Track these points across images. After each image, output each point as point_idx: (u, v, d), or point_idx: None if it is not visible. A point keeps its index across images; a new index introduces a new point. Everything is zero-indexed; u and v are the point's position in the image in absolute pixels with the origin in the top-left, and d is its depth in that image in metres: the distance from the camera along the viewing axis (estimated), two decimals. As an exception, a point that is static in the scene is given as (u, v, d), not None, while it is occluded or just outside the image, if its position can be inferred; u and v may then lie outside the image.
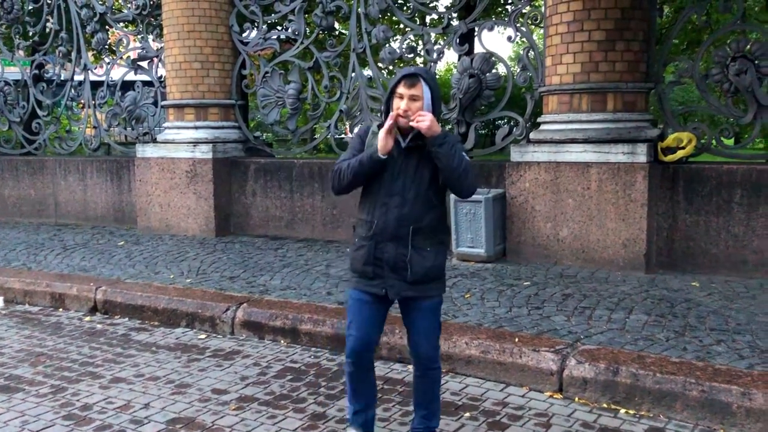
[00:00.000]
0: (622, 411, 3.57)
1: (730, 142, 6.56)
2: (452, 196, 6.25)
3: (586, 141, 5.89)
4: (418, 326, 2.99)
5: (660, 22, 9.96)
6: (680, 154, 5.77)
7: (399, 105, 2.82)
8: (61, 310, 5.84)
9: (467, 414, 3.57)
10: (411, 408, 3.62)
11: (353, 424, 3.13)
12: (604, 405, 3.64)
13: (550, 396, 3.78)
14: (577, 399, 3.72)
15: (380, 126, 2.91)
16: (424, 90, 2.82)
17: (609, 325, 4.38)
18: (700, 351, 3.89)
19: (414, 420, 3.18)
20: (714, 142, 6.04)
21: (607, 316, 4.56)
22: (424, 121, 2.76)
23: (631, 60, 5.88)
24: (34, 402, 3.84)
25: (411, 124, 2.79)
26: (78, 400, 3.85)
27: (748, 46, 5.76)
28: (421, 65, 13.54)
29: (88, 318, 5.57)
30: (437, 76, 7.73)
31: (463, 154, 2.86)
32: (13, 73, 10.59)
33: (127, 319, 5.50)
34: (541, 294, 5.15)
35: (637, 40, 5.89)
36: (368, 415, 3.12)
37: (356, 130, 3.11)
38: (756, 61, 5.70)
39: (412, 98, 2.80)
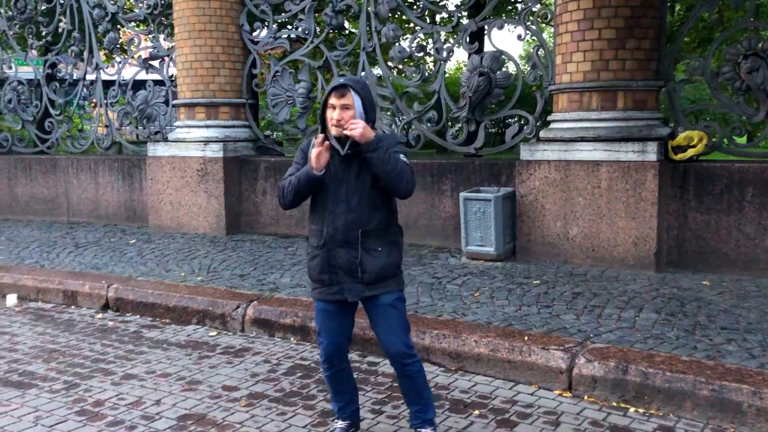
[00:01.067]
0: (632, 409, 3.56)
1: (742, 140, 6.53)
2: (461, 196, 6.27)
3: (596, 139, 5.88)
4: (382, 325, 3.05)
5: (671, 20, 9.92)
6: (691, 152, 5.75)
7: (332, 115, 2.90)
8: (73, 307, 5.89)
9: (476, 412, 3.58)
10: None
11: (340, 417, 3.27)
12: (614, 403, 3.64)
13: (560, 394, 3.78)
14: (586, 397, 3.72)
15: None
16: (354, 99, 2.90)
17: (619, 324, 4.37)
18: (711, 350, 3.87)
19: (411, 417, 3.21)
20: (725, 140, 6.01)
21: (617, 315, 4.55)
22: (356, 128, 2.83)
23: (642, 58, 5.85)
24: (48, 398, 3.89)
25: (344, 132, 2.86)
26: (90, 397, 3.89)
27: (761, 44, 5.72)
28: (431, 64, 13.54)
29: (100, 315, 5.62)
30: (447, 75, 7.74)
31: (400, 156, 2.93)
32: (26, 72, 10.67)
33: (138, 316, 5.54)
34: (550, 292, 5.14)
35: (648, 38, 5.86)
36: (352, 407, 3.27)
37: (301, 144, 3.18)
38: (768, 59, 5.67)
39: (344, 107, 2.89)
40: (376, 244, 2.98)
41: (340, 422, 3.26)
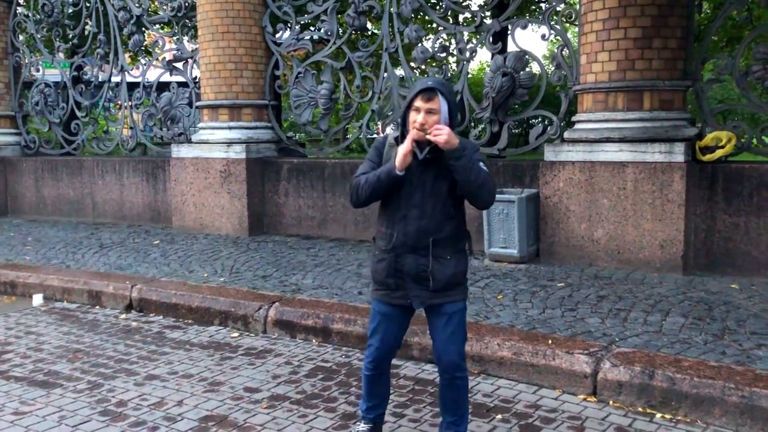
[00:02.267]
0: (658, 415, 3.50)
1: (772, 141, 6.38)
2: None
3: (621, 140, 5.79)
4: (442, 333, 2.98)
5: (698, 19, 9.76)
6: (719, 153, 5.64)
7: (416, 119, 2.81)
8: (97, 307, 5.95)
9: (499, 416, 3.54)
10: (438, 409, 3.60)
11: (364, 419, 3.21)
12: (640, 409, 3.57)
13: (584, 399, 3.73)
14: (611, 402, 3.66)
15: (397, 138, 2.92)
16: (441, 103, 2.81)
17: (645, 328, 4.30)
18: (740, 355, 3.79)
19: (441, 425, 3.16)
20: (754, 140, 5.89)
21: (643, 319, 4.48)
22: (441, 135, 2.75)
23: (669, 58, 5.76)
24: (72, 397, 3.92)
25: (428, 137, 2.79)
26: (113, 397, 3.92)
27: (791, 42, 5.61)
28: (454, 64, 13.47)
29: (123, 315, 5.67)
30: (470, 75, 7.69)
31: (481, 165, 2.86)
32: (53, 75, 10.83)
33: (161, 317, 5.57)
34: (575, 295, 5.08)
35: (675, 38, 5.77)
36: (380, 410, 3.21)
37: (374, 141, 3.10)
38: (799, 58, 5.55)
39: (429, 112, 2.80)
40: (445, 253, 2.91)
41: (362, 425, 3.21)
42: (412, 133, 2.81)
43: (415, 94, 2.83)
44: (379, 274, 2.99)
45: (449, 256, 2.92)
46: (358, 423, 3.26)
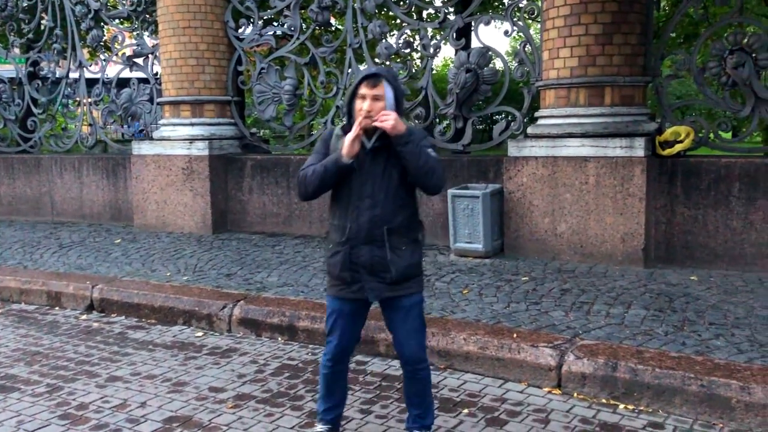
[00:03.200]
0: (621, 406, 3.55)
1: (728, 135, 6.56)
2: (449, 193, 6.24)
3: (583, 135, 5.87)
4: (402, 327, 2.97)
5: (657, 16, 9.94)
6: (678, 147, 5.76)
7: (362, 106, 2.78)
8: (57, 308, 5.81)
9: (465, 410, 3.55)
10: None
11: (322, 421, 3.16)
12: (603, 400, 3.62)
13: (549, 392, 3.77)
14: (576, 394, 3.70)
15: (344, 129, 2.89)
16: (386, 90, 2.79)
17: (607, 320, 4.36)
18: (699, 345, 3.87)
19: (408, 419, 3.15)
20: (712, 135, 6.02)
21: (606, 311, 4.54)
22: (388, 120, 2.73)
23: (629, 54, 5.85)
24: (30, 401, 3.82)
25: (375, 124, 2.76)
26: (74, 400, 3.83)
27: (746, 39, 5.74)
28: (418, 60, 13.50)
29: (84, 316, 5.55)
30: (434, 72, 7.71)
31: (429, 150, 2.85)
32: (8, 70, 10.55)
33: (123, 317, 5.47)
34: (539, 289, 5.13)
35: (635, 34, 5.86)
36: (338, 411, 3.17)
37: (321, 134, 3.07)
38: (754, 54, 5.69)
39: (375, 98, 2.77)
40: (400, 243, 2.88)
41: (320, 426, 3.17)
42: (359, 121, 2.78)
43: (360, 81, 2.81)
44: (334, 268, 2.95)
45: (404, 247, 2.90)
46: (316, 424, 3.22)
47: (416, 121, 7.28)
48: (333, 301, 3.03)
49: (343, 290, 2.96)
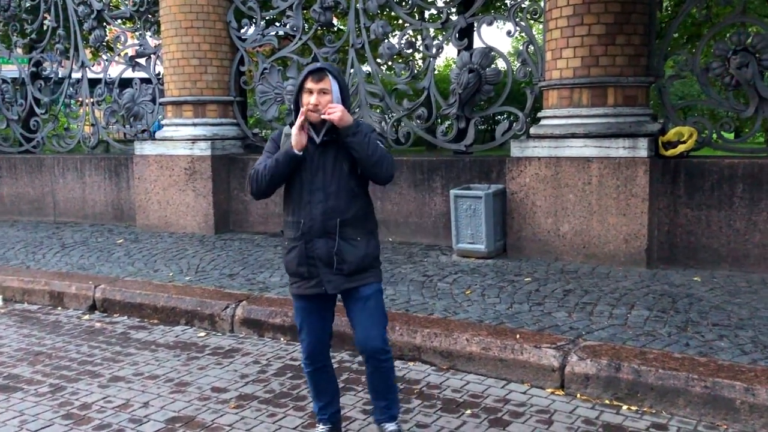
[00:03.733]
0: (625, 407, 3.54)
1: (731, 136, 6.55)
2: (452, 193, 6.23)
3: (586, 136, 5.86)
4: (361, 318, 2.97)
5: (660, 16, 9.93)
6: (681, 148, 5.74)
7: (309, 100, 2.82)
8: (59, 308, 5.82)
9: (468, 411, 3.55)
10: (412, 405, 3.61)
11: (321, 421, 3.20)
12: (607, 401, 3.61)
13: (552, 392, 3.76)
14: (579, 395, 3.70)
15: (292, 125, 2.90)
16: (332, 83, 2.84)
17: (611, 321, 4.35)
18: (703, 346, 3.86)
19: (375, 412, 3.16)
20: (715, 136, 6.01)
21: (609, 312, 4.54)
22: (335, 112, 2.77)
23: (632, 54, 5.84)
24: (33, 401, 3.82)
25: (323, 116, 2.80)
26: (77, 399, 3.83)
27: (749, 40, 5.73)
28: (421, 61, 13.48)
29: (86, 316, 5.55)
30: (436, 72, 7.70)
31: (378, 142, 2.88)
32: (10, 71, 10.56)
33: (126, 317, 5.47)
34: (542, 290, 5.12)
35: (638, 34, 5.85)
36: (333, 408, 3.19)
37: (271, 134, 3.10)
38: (757, 55, 5.67)
39: (321, 92, 2.82)
40: (354, 234, 2.91)
41: (321, 426, 3.19)
42: (303, 111, 2.81)
43: (305, 76, 2.85)
44: (290, 264, 2.97)
45: (359, 237, 2.93)
46: (317, 425, 3.23)
47: (418, 121, 7.28)
48: (296, 300, 3.07)
49: (302, 287, 2.98)
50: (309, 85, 2.83)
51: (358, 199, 2.95)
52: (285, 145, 2.89)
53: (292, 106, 2.99)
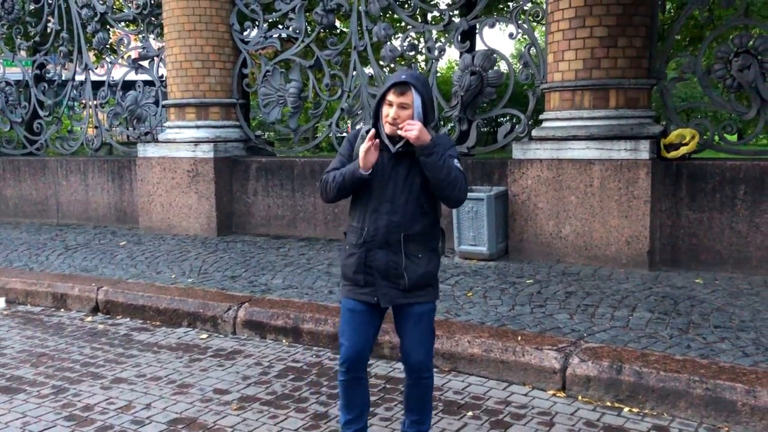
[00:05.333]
0: (626, 409, 3.55)
1: (734, 138, 6.54)
2: (454, 194, 6.23)
3: (588, 138, 5.86)
4: (411, 334, 2.93)
5: (662, 18, 9.93)
6: (683, 150, 5.74)
7: (388, 112, 2.77)
8: (62, 310, 5.83)
9: (470, 413, 3.55)
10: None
11: None
12: (608, 403, 3.62)
13: (554, 394, 3.76)
14: (580, 397, 3.70)
15: (369, 131, 2.85)
16: (414, 98, 2.75)
17: (612, 323, 4.36)
18: (704, 348, 3.86)
19: (404, 423, 3.12)
20: (717, 138, 6.01)
21: (610, 314, 4.54)
22: (412, 131, 2.70)
23: (634, 56, 5.84)
24: (36, 403, 3.83)
25: (399, 133, 2.74)
26: (79, 401, 3.84)
27: (752, 42, 5.73)
28: (423, 63, 13.50)
29: (89, 318, 5.57)
30: (438, 74, 7.71)
31: (455, 162, 2.80)
32: (14, 73, 10.59)
33: (128, 319, 5.49)
34: (543, 292, 5.12)
35: (639, 36, 5.85)
36: (360, 424, 3.06)
37: (347, 134, 3.04)
38: (759, 57, 5.67)
39: (401, 106, 2.74)
40: (417, 250, 2.85)
41: None
42: (371, 135, 2.76)
43: (388, 87, 2.77)
44: (348, 269, 2.93)
45: (420, 255, 2.86)
46: None
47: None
48: (345, 302, 2.99)
49: (354, 291, 2.93)
50: (390, 97, 2.75)
51: (426, 216, 2.88)
52: (355, 162, 2.82)
53: (372, 112, 2.89)
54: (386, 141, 2.81)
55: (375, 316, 2.97)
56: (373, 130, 2.78)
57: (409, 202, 2.83)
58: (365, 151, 2.74)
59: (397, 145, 2.81)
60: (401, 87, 2.74)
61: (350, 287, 2.94)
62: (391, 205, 2.82)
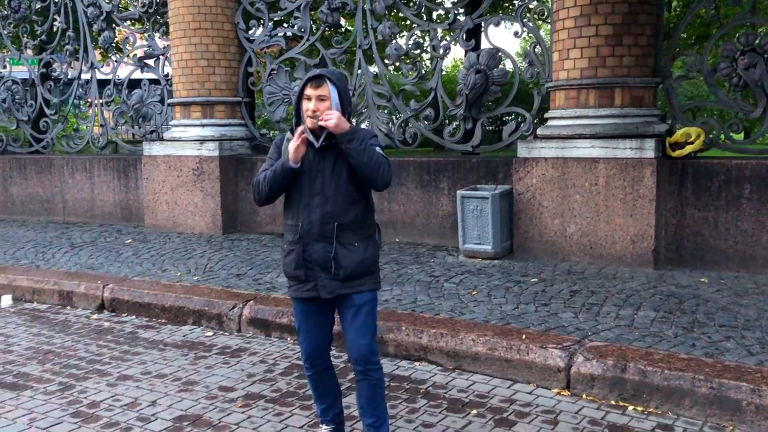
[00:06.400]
0: (630, 408, 3.54)
1: (740, 136, 6.53)
2: (458, 194, 6.24)
3: (593, 136, 5.86)
4: (352, 325, 2.96)
5: (668, 17, 9.90)
6: (689, 149, 5.73)
7: (308, 107, 2.85)
8: (68, 308, 5.86)
9: (474, 411, 3.56)
10: (418, 405, 3.62)
11: (324, 422, 3.20)
12: (612, 402, 3.62)
13: (558, 393, 3.76)
14: (584, 396, 3.70)
15: (292, 132, 2.92)
16: (330, 90, 2.85)
17: (617, 322, 4.35)
18: (709, 347, 3.86)
19: (363, 429, 3.09)
20: (723, 136, 5.99)
21: (615, 313, 4.53)
22: (331, 119, 2.79)
23: (639, 55, 5.83)
24: (42, 399, 3.85)
25: (319, 123, 2.82)
26: (85, 398, 3.86)
27: (758, 40, 5.71)
28: (428, 61, 13.50)
29: (95, 316, 5.59)
30: (443, 73, 7.71)
31: (376, 148, 2.88)
32: (21, 72, 10.63)
33: (134, 316, 5.51)
34: (548, 290, 5.12)
35: (645, 35, 5.84)
36: (336, 409, 3.19)
37: (275, 139, 3.12)
38: (765, 55, 5.65)
39: (320, 98, 2.84)
40: (352, 239, 2.91)
41: (324, 427, 3.19)
42: (300, 129, 2.84)
43: (304, 82, 2.87)
44: (288, 267, 2.99)
45: (356, 243, 2.92)
46: (320, 426, 3.22)
47: (425, 122, 7.28)
48: (294, 304, 3.08)
49: (299, 290, 2.99)
50: (308, 91, 2.85)
51: (357, 204, 2.95)
52: (283, 155, 2.93)
53: (293, 112, 3.00)
54: (310, 137, 2.88)
55: (324, 309, 3.03)
56: (301, 127, 2.86)
57: (339, 192, 2.91)
58: (295, 147, 2.84)
59: (321, 139, 2.89)
60: (317, 80, 2.85)
61: (294, 286, 3.01)
62: (322, 197, 2.90)
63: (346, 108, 2.92)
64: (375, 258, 3.01)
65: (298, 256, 2.94)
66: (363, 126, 6.48)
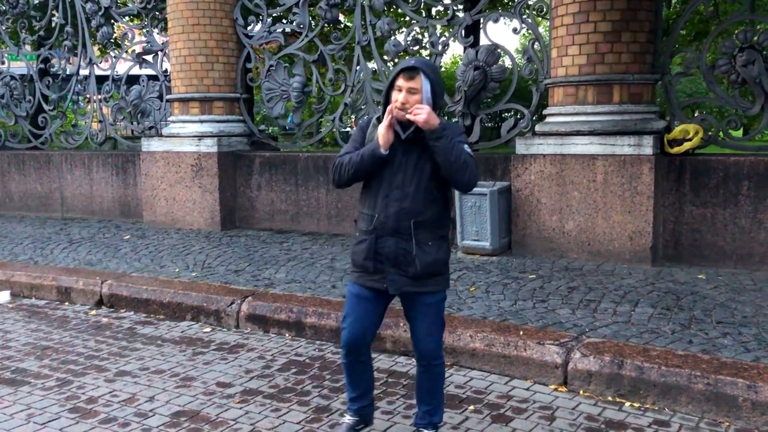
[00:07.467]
0: (627, 404, 3.55)
1: (738, 133, 6.53)
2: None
3: (591, 133, 5.86)
4: (420, 322, 2.95)
5: (667, 13, 9.89)
6: (687, 146, 5.74)
7: (397, 98, 2.78)
8: (67, 303, 5.86)
9: (471, 407, 3.57)
10: (411, 401, 3.62)
11: (349, 411, 3.17)
12: (609, 398, 3.63)
13: (555, 389, 3.77)
14: (581, 392, 3.71)
15: (380, 119, 2.87)
16: (423, 83, 2.76)
17: (614, 318, 4.36)
18: (706, 344, 3.87)
19: (417, 415, 3.15)
20: (721, 133, 5.99)
21: (613, 309, 4.54)
22: (421, 114, 2.72)
23: (638, 51, 5.83)
24: (40, 395, 3.86)
25: (408, 117, 2.75)
26: (83, 393, 3.87)
27: (756, 37, 5.71)
28: (427, 57, 13.48)
29: (93, 311, 5.59)
30: (442, 69, 7.69)
31: (464, 147, 2.80)
32: (19, 67, 10.61)
33: (132, 312, 5.51)
34: (546, 287, 5.13)
35: (644, 31, 5.84)
36: (364, 402, 3.14)
37: (359, 121, 3.05)
38: (764, 52, 5.65)
39: (411, 91, 2.76)
40: (426, 238, 2.85)
41: (348, 416, 3.16)
42: (389, 109, 2.77)
43: (397, 72, 2.79)
44: (357, 256, 2.93)
45: (430, 242, 2.86)
46: (344, 415, 3.22)
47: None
48: (351, 287, 3.00)
49: (362, 277, 2.94)
50: (399, 82, 2.77)
51: (436, 203, 2.88)
52: (372, 141, 2.84)
53: (382, 100, 2.91)
54: (396, 127, 2.81)
55: (380, 303, 2.99)
56: (391, 108, 2.79)
57: (419, 188, 2.83)
58: (386, 128, 2.76)
59: (408, 132, 2.82)
60: (410, 72, 2.76)
61: (359, 273, 2.95)
62: (401, 191, 2.83)
63: (438, 102, 2.84)
64: (446, 258, 2.96)
65: (369, 247, 2.88)
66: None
